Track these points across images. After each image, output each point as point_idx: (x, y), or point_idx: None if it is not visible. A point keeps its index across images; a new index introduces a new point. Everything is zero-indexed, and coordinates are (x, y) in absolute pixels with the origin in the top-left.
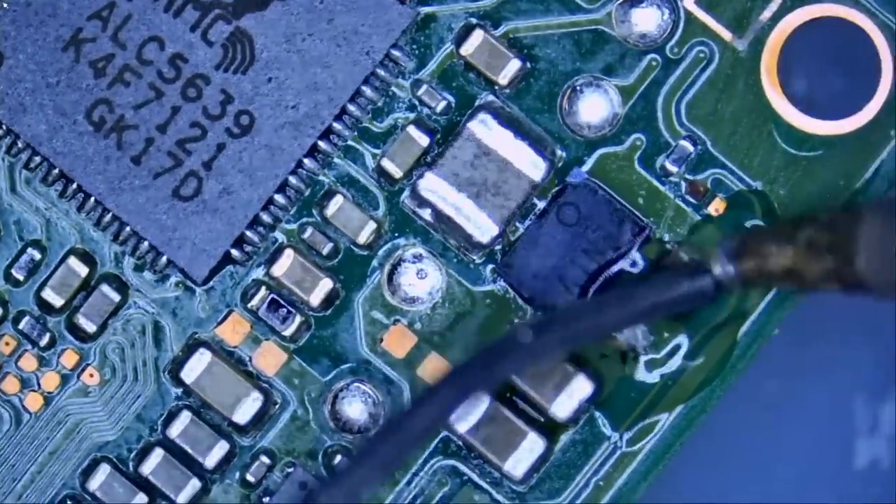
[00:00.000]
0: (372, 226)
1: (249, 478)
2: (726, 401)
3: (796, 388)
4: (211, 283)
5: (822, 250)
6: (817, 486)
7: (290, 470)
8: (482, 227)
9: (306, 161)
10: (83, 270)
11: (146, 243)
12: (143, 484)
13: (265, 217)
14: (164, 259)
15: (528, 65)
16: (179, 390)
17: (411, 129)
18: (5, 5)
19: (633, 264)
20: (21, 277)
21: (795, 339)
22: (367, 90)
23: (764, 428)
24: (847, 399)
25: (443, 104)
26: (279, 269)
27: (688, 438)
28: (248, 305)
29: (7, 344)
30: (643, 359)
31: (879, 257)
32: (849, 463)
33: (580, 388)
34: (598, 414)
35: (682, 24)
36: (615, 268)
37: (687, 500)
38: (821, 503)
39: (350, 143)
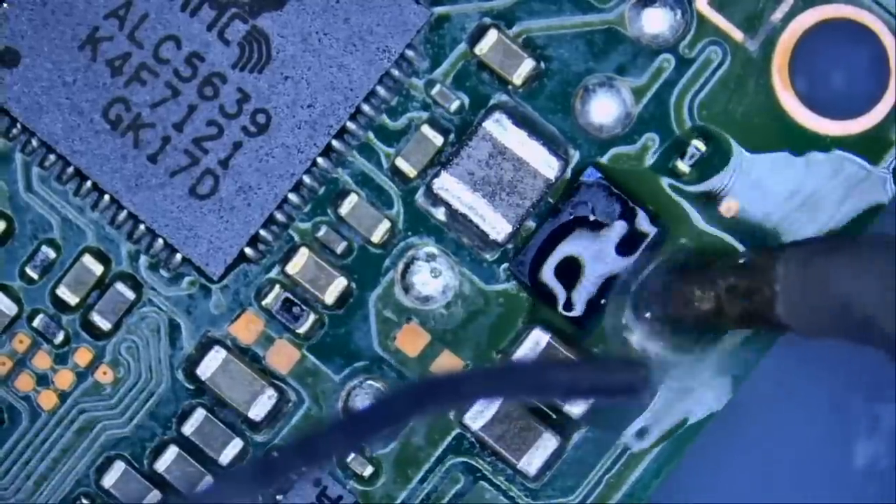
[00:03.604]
0: (386, 224)
1: (267, 485)
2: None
3: (796, 388)
4: (225, 281)
5: (742, 294)
6: (817, 486)
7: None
8: (496, 225)
9: (320, 160)
10: (98, 269)
11: (160, 242)
12: (157, 481)
13: (279, 216)
14: (178, 257)
15: (542, 65)
16: (193, 388)
17: (425, 129)
18: (6, 5)
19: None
20: (36, 276)
21: (796, 340)
22: (381, 90)
23: (764, 428)
24: (847, 399)
25: (456, 104)
26: (293, 267)
27: (700, 437)
28: (262, 304)
29: (21, 342)
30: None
31: (798, 302)
32: (848, 463)
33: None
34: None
35: (694, 25)
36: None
37: (686, 500)
38: (821, 503)
39: (364, 141)
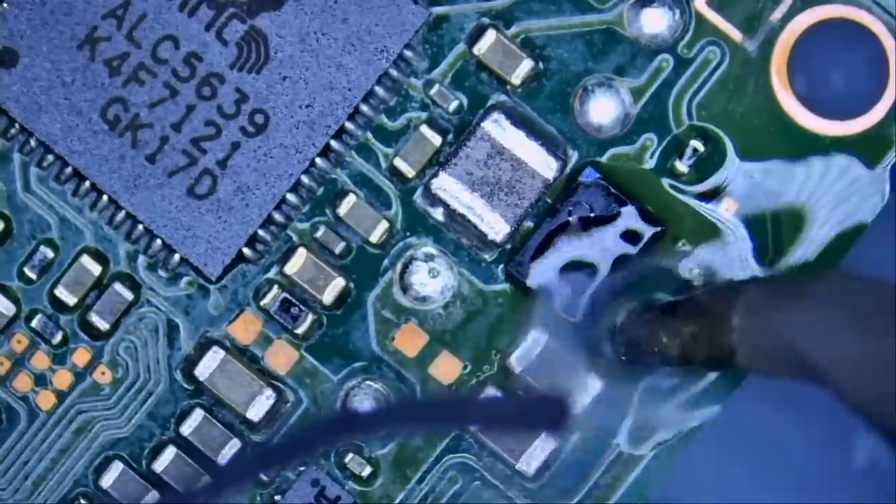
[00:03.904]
0: (384, 225)
1: (261, 476)
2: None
3: (796, 388)
4: (224, 281)
5: (703, 344)
6: (817, 486)
7: (301, 468)
8: (495, 225)
9: (319, 160)
10: (96, 269)
11: (159, 242)
12: (155, 481)
13: (278, 216)
14: (176, 258)
15: (541, 65)
16: (192, 388)
17: (424, 129)
18: (6, 5)
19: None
20: (34, 276)
21: None
22: (380, 90)
23: (764, 428)
24: None
25: (455, 104)
26: (292, 267)
27: (699, 438)
28: (261, 304)
29: (19, 342)
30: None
31: (757, 351)
32: (848, 463)
33: (592, 386)
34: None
35: (692, 25)
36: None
37: (685, 500)
38: (820, 503)
39: (363, 142)
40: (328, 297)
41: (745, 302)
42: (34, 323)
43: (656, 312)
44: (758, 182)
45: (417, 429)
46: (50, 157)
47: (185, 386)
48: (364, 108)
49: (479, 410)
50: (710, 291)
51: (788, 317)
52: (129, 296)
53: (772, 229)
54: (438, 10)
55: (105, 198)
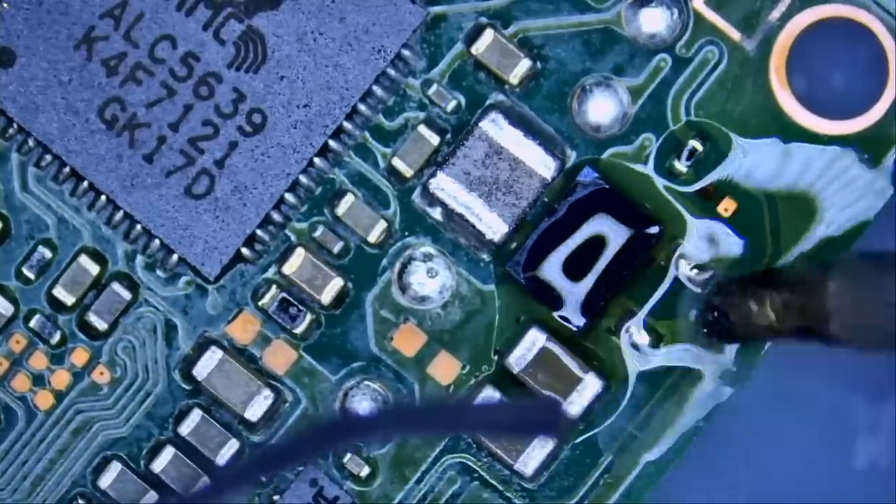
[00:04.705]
0: (382, 224)
1: (260, 478)
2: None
3: (796, 388)
4: (222, 281)
5: (795, 312)
6: (817, 486)
7: (300, 468)
8: (493, 225)
9: (317, 160)
10: (94, 269)
11: (157, 242)
12: (153, 481)
13: (276, 216)
14: (174, 257)
15: (538, 64)
16: (190, 388)
17: (422, 129)
18: (5, 5)
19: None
20: (32, 276)
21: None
22: (378, 89)
23: (764, 428)
24: (847, 399)
25: (453, 103)
26: (290, 267)
27: (700, 437)
28: (259, 304)
29: (18, 342)
30: (648, 353)
31: (852, 318)
32: (849, 463)
33: (591, 386)
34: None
35: (691, 24)
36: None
37: (685, 501)
38: (821, 503)
39: (360, 141)
40: (326, 296)
41: (843, 269)
42: (32, 323)
43: (746, 281)
44: (757, 178)
45: (414, 434)
46: (48, 157)
47: (184, 386)
48: (362, 107)
49: (475, 416)
50: (804, 263)
51: (891, 281)
52: (127, 295)
53: (770, 225)
54: (436, 9)
55: (103, 197)
